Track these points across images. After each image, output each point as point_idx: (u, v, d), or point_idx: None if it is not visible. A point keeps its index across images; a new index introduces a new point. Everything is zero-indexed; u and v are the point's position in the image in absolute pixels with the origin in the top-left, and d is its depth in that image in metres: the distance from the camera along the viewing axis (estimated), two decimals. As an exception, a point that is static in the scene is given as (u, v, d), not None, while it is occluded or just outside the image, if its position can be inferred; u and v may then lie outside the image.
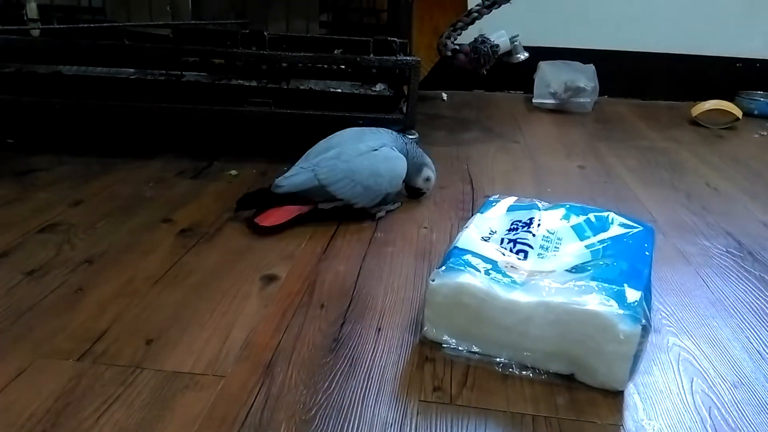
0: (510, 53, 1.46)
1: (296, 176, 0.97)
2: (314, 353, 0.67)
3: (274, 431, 0.56)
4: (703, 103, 1.80)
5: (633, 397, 0.63)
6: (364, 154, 0.98)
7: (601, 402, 0.62)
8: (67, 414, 0.56)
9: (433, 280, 0.67)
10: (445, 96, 2.01)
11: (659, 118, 1.87)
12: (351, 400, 0.60)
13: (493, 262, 0.70)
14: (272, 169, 1.22)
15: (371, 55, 1.20)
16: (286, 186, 0.96)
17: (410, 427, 0.57)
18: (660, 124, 1.80)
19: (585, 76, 1.86)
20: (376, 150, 0.99)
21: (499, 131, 1.64)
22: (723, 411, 0.61)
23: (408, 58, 1.21)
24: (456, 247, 0.72)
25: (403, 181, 1.05)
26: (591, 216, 0.79)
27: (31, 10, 1.14)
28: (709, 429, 0.59)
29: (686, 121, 1.84)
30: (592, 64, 1.92)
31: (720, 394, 0.64)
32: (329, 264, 0.87)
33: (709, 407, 0.62)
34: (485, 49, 1.37)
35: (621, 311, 0.60)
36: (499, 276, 0.67)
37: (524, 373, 0.65)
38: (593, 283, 0.63)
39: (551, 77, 1.89)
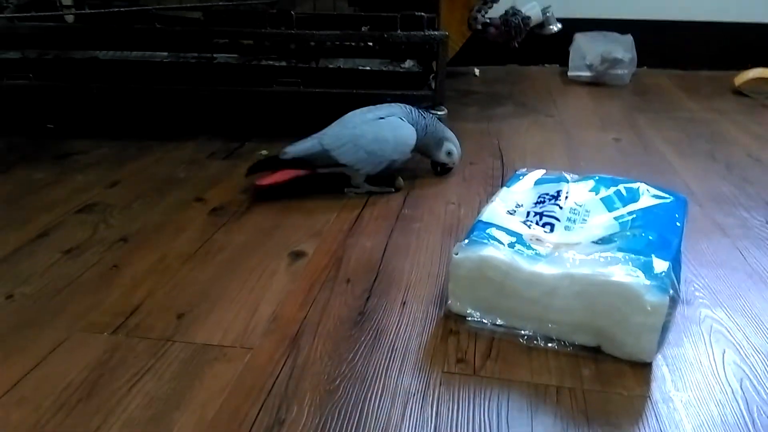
0: (542, 25, 1.43)
1: (301, 144, 1.01)
2: (339, 326, 0.68)
3: (300, 400, 0.57)
4: (746, 71, 1.73)
5: (661, 368, 0.62)
6: (369, 122, 1.01)
7: (628, 373, 0.61)
8: (101, 384, 0.59)
9: (457, 254, 0.67)
10: (477, 71, 1.98)
11: (700, 89, 1.80)
12: (375, 370, 0.61)
13: (518, 235, 0.69)
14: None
15: (398, 31, 1.19)
16: (291, 153, 1.00)
17: (433, 397, 0.58)
18: (701, 95, 1.73)
19: (622, 47, 1.81)
20: (383, 118, 1.01)
21: (532, 105, 1.61)
22: (755, 382, 0.60)
23: (436, 32, 1.19)
24: (480, 221, 0.72)
25: (427, 157, 1.05)
26: (621, 187, 0.77)
27: (65, -4, 1.17)
28: (739, 401, 0.58)
29: (729, 91, 1.77)
30: (629, 35, 1.86)
31: (753, 365, 0.62)
32: (356, 240, 0.88)
33: (741, 379, 0.60)
34: (516, 22, 1.34)
35: (648, 282, 0.59)
36: (524, 249, 0.66)
37: (549, 345, 0.64)
38: (620, 254, 0.62)
39: (587, 49, 1.84)
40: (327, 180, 1.02)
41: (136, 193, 1.03)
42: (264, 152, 1.23)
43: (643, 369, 0.62)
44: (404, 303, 0.73)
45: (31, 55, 1.34)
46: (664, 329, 0.61)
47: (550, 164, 1.18)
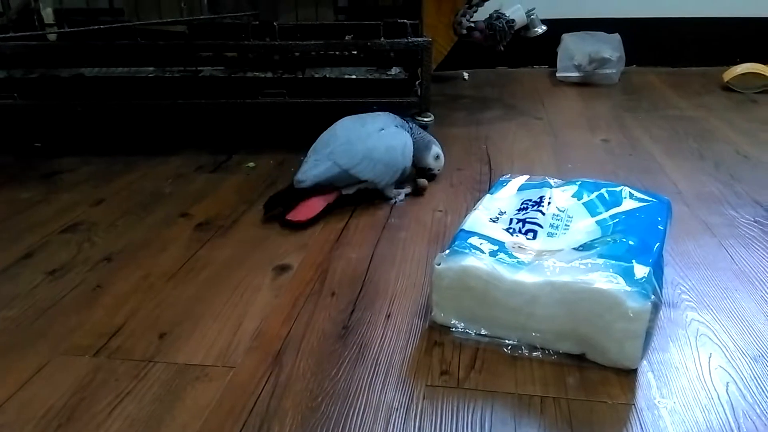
0: (527, 27, 1.43)
1: (315, 167, 0.96)
2: (323, 341, 0.68)
3: (281, 419, 0.56)
4: (735, 67, 1.73)
5: (647, 375, 0.61)
6: (373, 135, 0.99)
7: (613, 381, 0.60)
8: (81, 409, 0.58)
9: (438, 264, 0.67)
10: (466, 75, 1.98)
11: (690, 86, 1.80)
12: (358, 386, 0.61)
13: (500, 243, 0.69)
14: (289, 159, 1.23)
15: (382, 39, 1.18)
16: (309, 179, 0.95)
17: (416, 411, 0.57)
18: (690, 92, 1.73)
19: (610, 47, 1.80)
20: (383, 130, 1.01)
21: (521, 108, 1.61)
22: (741, 386, 0.59)
23: (419, 39, 1.19)
24: (462, 230, 0.71)
25: (413, 165, 1.04)
26: (603, 191, 0.77)
27: (47, 15, 1.16)
28: (725, 405, 0.57)
29: (718, 87, 1.77)
30: (617, 34, 1.86)
31: (739, 368, 0.62)
32: (342, 251, 0.87)
33: (727, 383, 0.60)
34: (500, 25, 1.34)
35: (629, 288, 0.58)
36: (505, 257, 0.66)
37: (534, 354, 0.64)
38: (600, 261, 0.62)
39: (575, 49, 1.84)
40: (352, 198, 1.01)
41: (121, 211, 1.03)
42: (251, 164, 1.22)
43: (628, 376, 0.61)
44: (389, 315, 0.72)
45: (17, 74, 1.34)
46: (648, 335, 0.61)
47: (537, 168, 1.18)
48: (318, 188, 0.96)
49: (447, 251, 0.67)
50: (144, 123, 1.44)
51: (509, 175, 0.87)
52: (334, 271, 0.82)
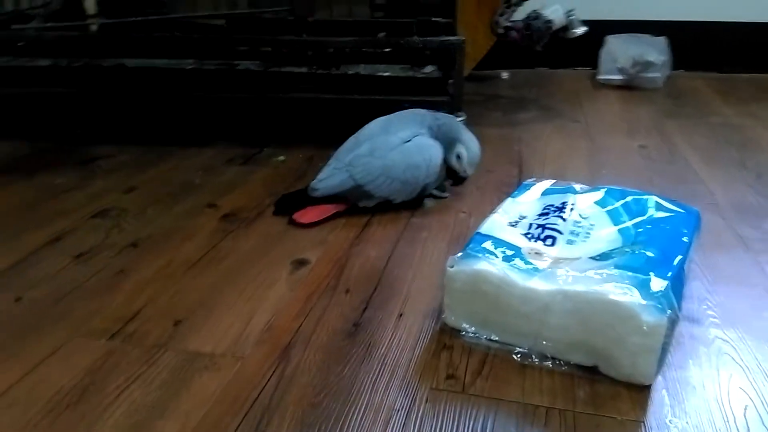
0: (566, 28, 1.39)
1: (331, 178, 0.96)
2: (332, 337, 0.68)
3: (282, 413, 0.57)
4: (789, 74, 1.66)
5: (660, 392, 0.59)
6: (397, 148, 0.96)
7: (624, 396, 0.58)
8: (91, 391, 0.59)
9: (451, 267, 0.66)
10: (505, 75, 1.95)
11: (737, 93, 1.73)
12: (362, 384, 0.60)
13: (516, 249, 0.68)
14: (319, 155, 1.23)
15: (414, 37, 1.18)
16: (322, 189, 0.95)
17: (417, 414, 0.56)
18: (737, 99, 1.66)
19: (655, 50, 1.75)
20: (408, 141, 0.96)
21: (558, 110, 1.58)
22: (760, 410, 0.57)
23: (453, 38, 1.18)
24: (478, 233, 0.70)
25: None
26: (629, 199, 0.74)
27: (90, 6, 1.20)
28: (740, 429, 0.55)
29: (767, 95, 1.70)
30: (663, 37, 1.80)
31: (760, 391, 0.59)
32: (361, 249, 0.87)
33: (745, 406, 0.57)
34: (538, 25, 1.31)
35: (644, 301, 0.56)
36: (520, 263, 0.65)
37: (545, 363, 0.62)
38: (616, 271, 0.60)
39: (618, 52, 1.79)
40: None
41: (152, 199, 1.05)
42: (281, 158, 1.23)
43: (640, 392, 0.59)
44: (401, 315, 0.72)
45: (62, 62, 1.38)
46: (664, 350, 0.58)
47: (570, 172, 1.15)
48: (330, 199, 0.95)
49: (460, 254, 0.66)
50: (180, 114, 1.46)
51: (534, 178, 0.85)
52: (350, 268, 0.82)
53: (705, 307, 0.73)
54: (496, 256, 0.65)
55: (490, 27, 1.47)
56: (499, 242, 0.68)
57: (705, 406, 0.57)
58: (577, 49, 1.84)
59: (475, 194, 1.06)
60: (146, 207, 1.02)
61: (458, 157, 0.99)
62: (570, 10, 1.39)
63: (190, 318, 0.71)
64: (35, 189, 1.09)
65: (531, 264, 0.65)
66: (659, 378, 0.60)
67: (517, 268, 0.63)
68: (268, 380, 0.61)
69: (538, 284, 0.61)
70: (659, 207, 0.73)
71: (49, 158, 1.25)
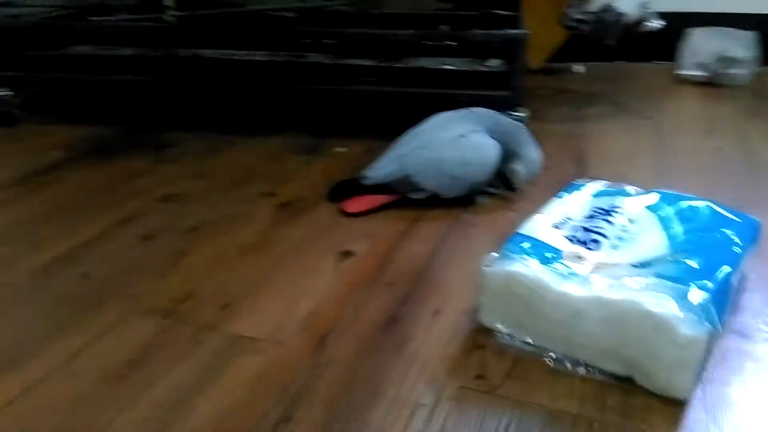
0: (640, 22, 1.34)
1: (383, 167, 0.98)
2: (369, 329, 0.69)
3: (312, 399, 0.59)
4: None
5: (697, 408, 0.57)
6: (451, 142, 0.96)
7: (657, 409, 0.57)
8: (141, 365, 0.64)
9: (487, 266, 0.66)
10: (580, 68, 1.89)
11: (835, 92, 1.60)
12: (391, 377, 0.62)
13: (557, 251, 0.67)
14: (379, 147, 1.23)
15: (476, 30, 1.17)
16: (373, 178, 0.97)
17: (441, 411, 0.57)
18: (834, 99, 1.55)
19: (742, 45, 1.65)
20: (464, 136, 0.96)
21: (630, 107, 1.52)
22: (804, 435, 0.54)
23: (516, 31, 1.16)
24: (518, 233, 0.70)
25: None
26: (683, 205, 0.72)
27: (169, -1, 1.26)
28: (779, 453, 0.52)
29: None
30: (753, 32, 1.69)
31: (807, 415, 0.56)
32: (408, 243, 0.88)
33: (788, 429, 0.55)
34: (609, 18, 1.27)
35: (681, 314, 0.55)
36: (558, 266, 0.64)
37: (578, 369, 0.62)
38: (654, 281, 0.58)
39: (701, 46, 1.69)
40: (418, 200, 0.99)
41: (216, 185, 1.10)
42: (343, 149, 1.26)
43: (675, 407, 0.57)
44: (438, 311, 0.72)
45: (147, 52, 1.47)
46: (703, 364, 0.57)
47: (633, 172, 1.12)
48: (381, 187, 0.97)
49: (497, 254, 0.66)
50: (251, 103, 1.52)
51: (585, 179, 0.83)
52: (395, 262, 0.83)
53: (759, 321, 0.69)
54: (533, 258, 0.64)
55: (559, 19, 1.43)
56: (538, 244, 0.67)
57: (744, 426, 0.55)
58: (658, 42, 1.76)
59: (530, 192, 1.04)
60: (210, 192, 1.07)
61: (512, 172, 0.98)
62: (645, 3, 1.33)
63: (238, 302, 0.75)
64: (114, 171, 1.17)
65: (569, 268, 0.64)
66: (698, 393, 0.58)
67: (553, 272, 0.63)
68: (303, 366, 0.63)
69: (571, 289, 0.61)
70: (714, 215, 0.70)
71: (129, 143, 1.33)
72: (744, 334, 0.67)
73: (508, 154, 0.98)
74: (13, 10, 1.33)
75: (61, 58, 1.47)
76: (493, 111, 1.02)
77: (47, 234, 0.92)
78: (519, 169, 0.98)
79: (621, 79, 1.79)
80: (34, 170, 1.17)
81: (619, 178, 1.03)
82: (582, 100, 1.59)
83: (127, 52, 1.46)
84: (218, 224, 0.96)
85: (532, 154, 0.99)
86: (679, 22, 1.65)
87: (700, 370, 0.57)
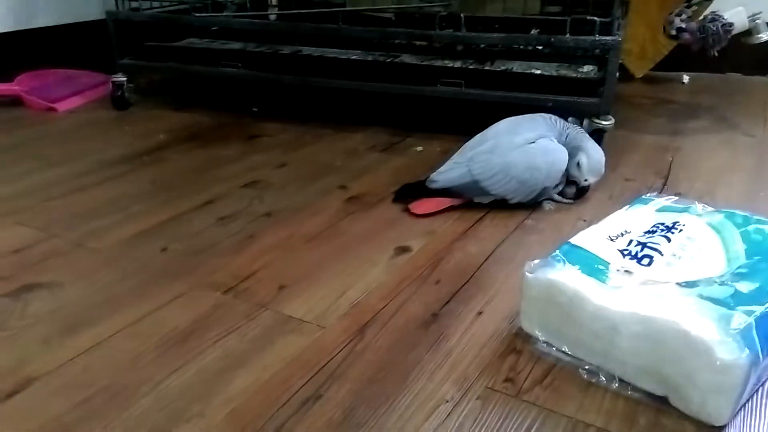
0: (749, 33, 1.25)
1: (450, 171, 0.99)
2: (409, 323, 0.71)
3: (342, 383, 0.62)
4: None
5: (733, 438, 0.54)
6: (520, 148, 0.96)
7: (689, 433, 0.55)
8: (196, 335, 0.70)
9: (529, 273, 0.66)
10: (686, 78, 1.79)
11: None
12: (421, 371, 0.63)
13: (605, 264, 0.65)
14: (455, 149, 1.24)
15: (566, 35, 1.14)
16: (441, 181, 0.98)
17: (464, 408, 0.58)
18: None
19: None
20: (533, 142, 0.96)
21: (733, 122, 1.42)
22: None
23: (607, 38, 1.13)
24: (567, 242, 0.69)
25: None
26: (751, 227, 0.68)
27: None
28: (815, 497, 0.49)
29: None
30: None
31: None
32: (464, 244, 0.89)
33: (832, 473, 0.51)
34: (714, 28, 1.20)
35: (718, 337, 0.52)
36: (604, 278, 0.63)
37: (611, 384, 0.60)
38: (698, 301, 0.56)
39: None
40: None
41: (295, 176, 1.16)
42: (419, 149, 1.28)
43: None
44: (480, 313, 0.73)
45: (251, 47, 1.56)
46: (742, 392, 0.54)
47: (721, 190, 1.06)
48: (447, 191, 0.98)
49: (539, 261, 0.66)
50: (340, 100, 1.57)
51: (654, 193, 0.80)
52: (448, 261, 0.84)
53: (828, 358, 0.64)
54: (576, 268, 0.63)
55: (663, 27, 1.36)
56: (586, 255, 0.66)
57: (781, 463, 0.52)
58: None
59: (603, 202, 1.02)
60: (288, 182, 1.13)
61: (578, 165, 0.97)
62: (755, 14, 1.24)
63: (294, 285, 0.79)
64: (206, 157, 1.26)
65: (613, 281, 0.62)
66: (736, 421, 0.55)
67: (595, 284, 0.62)
68: (339, 352, 0.66)
69: (611, 302, 0.59)
70: (784, 239, 0.65)
71: (224, 132, 1.43)
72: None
73: (572, 152, 0.98)
74: (134, 4, 1.46)
75: (175, 50, 1.60)
76: (556, 117, 1.01)
77: (140, 209, 1.02)
78: (583, 159, 0.97)
79: (729, 93, 1.68)
80: (140, 152, 1.29)
81: (704, 195, 0.99)
82: (682, 112, 1.51)
83: (236, 46, 1.56)
84: (290, 212, 1.01)
85: (594, 149, 0.98)
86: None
87: (741, 398, 0.54)
